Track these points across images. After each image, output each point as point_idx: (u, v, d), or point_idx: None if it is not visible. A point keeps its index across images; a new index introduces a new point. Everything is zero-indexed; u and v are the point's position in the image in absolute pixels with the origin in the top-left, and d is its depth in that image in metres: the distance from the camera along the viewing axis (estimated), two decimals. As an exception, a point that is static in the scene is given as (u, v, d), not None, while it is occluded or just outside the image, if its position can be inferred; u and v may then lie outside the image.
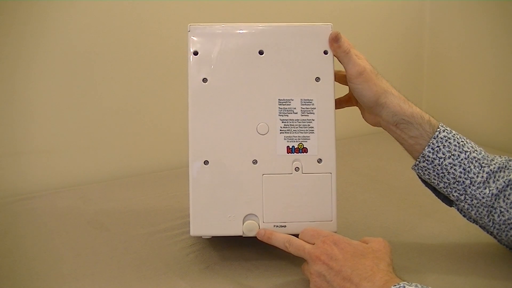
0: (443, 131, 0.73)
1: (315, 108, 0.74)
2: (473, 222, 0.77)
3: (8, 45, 1.04)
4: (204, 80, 0.73)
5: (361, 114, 0.79)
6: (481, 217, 0.73)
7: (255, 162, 0.74)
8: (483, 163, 0.72)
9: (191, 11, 1.19)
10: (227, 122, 0.73)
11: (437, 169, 0.73)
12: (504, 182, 0.70)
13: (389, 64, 1.49)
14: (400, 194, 1.04)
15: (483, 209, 0.72)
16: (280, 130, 0.74)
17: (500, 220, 0.71)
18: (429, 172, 0.74)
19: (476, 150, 0.73)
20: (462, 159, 0.72)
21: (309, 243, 0.68)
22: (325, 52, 0.74)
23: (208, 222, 0.74)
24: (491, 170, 0.71)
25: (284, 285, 0.72)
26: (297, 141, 0.74)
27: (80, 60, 1.11)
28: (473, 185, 0.72)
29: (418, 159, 0.74)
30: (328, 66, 0.74)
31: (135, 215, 0.96)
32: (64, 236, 0.88)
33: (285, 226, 0.75)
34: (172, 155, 1.22)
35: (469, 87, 1.44)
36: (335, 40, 0.73)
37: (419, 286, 0.58)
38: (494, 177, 0.71)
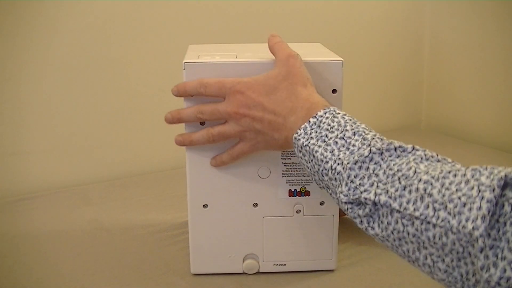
0: None
1: None
2: None
3: (8, 45, 1.04)
4: (202, 123, 0.69)
5: None
6: None
7: (255, 205, 0.72)
8: None
9: (192, 11, 1.19)
10: (227, 166, 0.70)
11: None
12: None
13: (388, 65, 1.49)
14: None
15: None
16: (282, 174, 0.71)
17: None
18: None
19: None
20: None
21: (217, 96, 0.65)
22: (334, 91, 0.68)
23: (209, 261, 0.74)
24: None
25: (285, 285, 0.72)
26: (299, 185, 0.71)
27: (80, 60, 1.11)
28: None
29: None
30: (336, 106, 0.68)
31: (135, 215, 0.96)
32: (64, 236, 0.88)
33: (284, 264, 0.74)
34: (172, 155, 1.22)
35: (469, 87, 1.43)
36: None
37: (348, 114, 0.58)
38: None
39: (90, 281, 0.74)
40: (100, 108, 1.15)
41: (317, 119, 0.58)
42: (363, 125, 0.56)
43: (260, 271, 0.74)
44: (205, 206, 0.71)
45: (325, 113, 0.58)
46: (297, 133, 0.58)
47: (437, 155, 0.51)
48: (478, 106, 1.42)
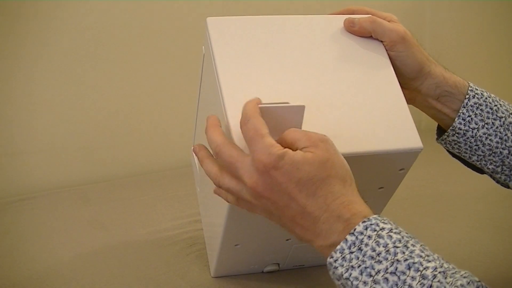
0: (473, 96, 0.64)
1: None
2: (506, 187, 0.68)
3: (8, 45, 1.04)
4: None
5: None
6: None
7: (288, 239, 0.69)
8: None
9: (194, 10, 1.19)
10: None
11: (470, 142, 0.64)
12: None
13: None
14: (400, 194, 1.04)
15: None
16: None
17: None
18: (459, 146, 0.65)
19: (511, 114, 0.65)
20: (497, 127, 0.63)
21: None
22: (401, 169, 0.61)
23: (231, 269, 0.73)
24: None
25: (286, 285, 0.72)
26: None
27: (80, 60, 1.11)
28: (511, 155, 0.64)
29: (446, 133, 0.65)
30: (397, 180, 0.64)
31: (135, 215, 0.96)
32: (64, 236, 0.88)
33: (303, 265, 0.75)
34: (172, 155, 1.22)
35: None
36: (351, 25, 0.63)
37: (393, 224, 0.48)
38: None
39: (90, 281, 0.74)
40: (100, 109, 1.15)
41: (356, 238, 0.46)
42: (417, 248, 0.45)
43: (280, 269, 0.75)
44: (236, 245, 0.67)
45: (366, 228, 0.46)
46: (332, 257, 0.46)
47: None
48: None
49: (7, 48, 1.04)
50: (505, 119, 0.64)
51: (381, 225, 0.46)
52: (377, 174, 0.61)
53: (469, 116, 0.64)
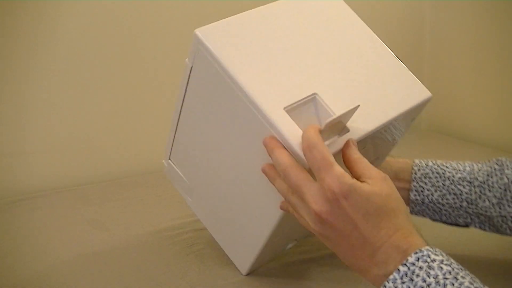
0: (419, 169, 0.72)
1: None
2: (497, 233, 0.72)
3: (8, 45, 1.04)
4: None
5: None
6: (497, 229, 0.70)
7: (296, 240, 0.75)
8: (471, 178, 0.70)
9: (191, 12, 1.19)
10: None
11: (432, 206, 0.72)
12: (499, 187, 0.68)
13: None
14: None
15: (495, 221, 0.69)
16: None
17: None
18: (427, 212, 0.73)
19: (459, 170, 0.71)
20: (448, 186, 0.70)
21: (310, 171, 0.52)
22: (412, 119, 0.68)
23: (261, 262, 0.74)
24: (481, 182, 0.69)
25: (287, 285, 0.72)
26: None
27: (80, 60, 1.11)
28: (472, 204, 0.70)
29: (410, 208, 0.73)
30: (406, 129, 0.69)
31: (135, 215, 0.96)
32: (64, 236, 0.88)
33: None
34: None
35: (469, 87, 1.43)
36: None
37: (445, 256, 0.49)
38: (488, 186, 0.69)
39: (90, 281, 0.74)
40: (100, 108, 1.15)
41: (408, 268, 0.47)
42: (466, 281, 0.46)
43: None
44: (277, 237, 0.68)
45: (417, 259, 0.48)
46: (385, 286, 0.48)
47: None
48: (478, 106, 1.42)
49: (6, 47, 1.04)
50: (453, 176, 0.70)
51: (433, 256, 0.48)
52: (395, 131, 0.65)
53: (420, 186, 0.71)
